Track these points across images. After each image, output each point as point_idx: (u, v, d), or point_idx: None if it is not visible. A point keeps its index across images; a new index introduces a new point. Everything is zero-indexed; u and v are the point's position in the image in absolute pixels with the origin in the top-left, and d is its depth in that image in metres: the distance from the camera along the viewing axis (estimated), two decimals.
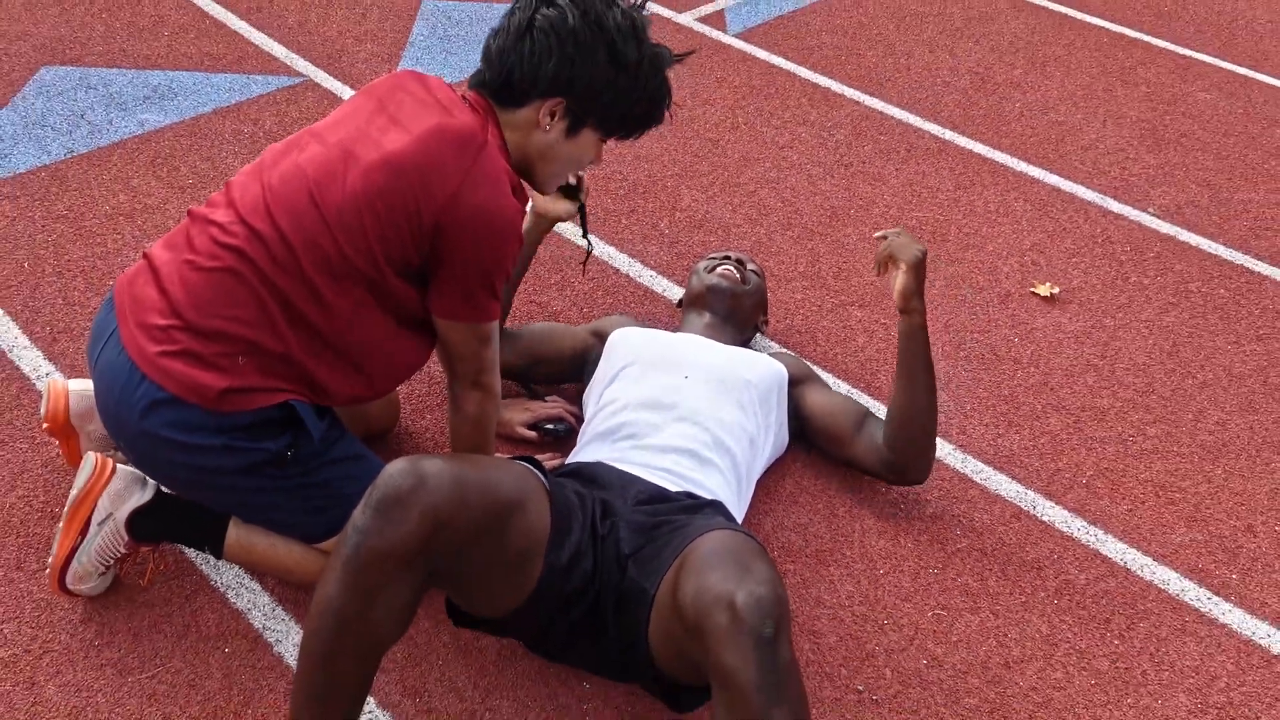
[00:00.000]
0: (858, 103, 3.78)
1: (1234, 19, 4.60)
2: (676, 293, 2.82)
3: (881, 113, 3.73)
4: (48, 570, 1.91)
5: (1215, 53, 4.29)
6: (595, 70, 1.83)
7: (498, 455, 2.11)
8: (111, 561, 1.91)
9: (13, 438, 2.26)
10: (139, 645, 1.91)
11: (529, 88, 1.84)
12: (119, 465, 1.92)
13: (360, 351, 1.84)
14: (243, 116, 3.38)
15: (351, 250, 1.75)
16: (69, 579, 1.89)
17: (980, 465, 2.42)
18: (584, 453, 2.09)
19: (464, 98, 1.88)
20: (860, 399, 2.54)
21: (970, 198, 3.33)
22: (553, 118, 1.87)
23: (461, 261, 1.79)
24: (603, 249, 2.96)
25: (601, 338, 2.37)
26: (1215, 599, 2.17)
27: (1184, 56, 4.25)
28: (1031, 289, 2.95)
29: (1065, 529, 2.29)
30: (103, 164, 3.12)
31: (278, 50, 3.76)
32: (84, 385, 2.07)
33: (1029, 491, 2.37)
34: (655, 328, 2.38)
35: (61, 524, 1.87)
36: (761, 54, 4.03)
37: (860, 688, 1.95)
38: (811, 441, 2.35)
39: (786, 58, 4.02)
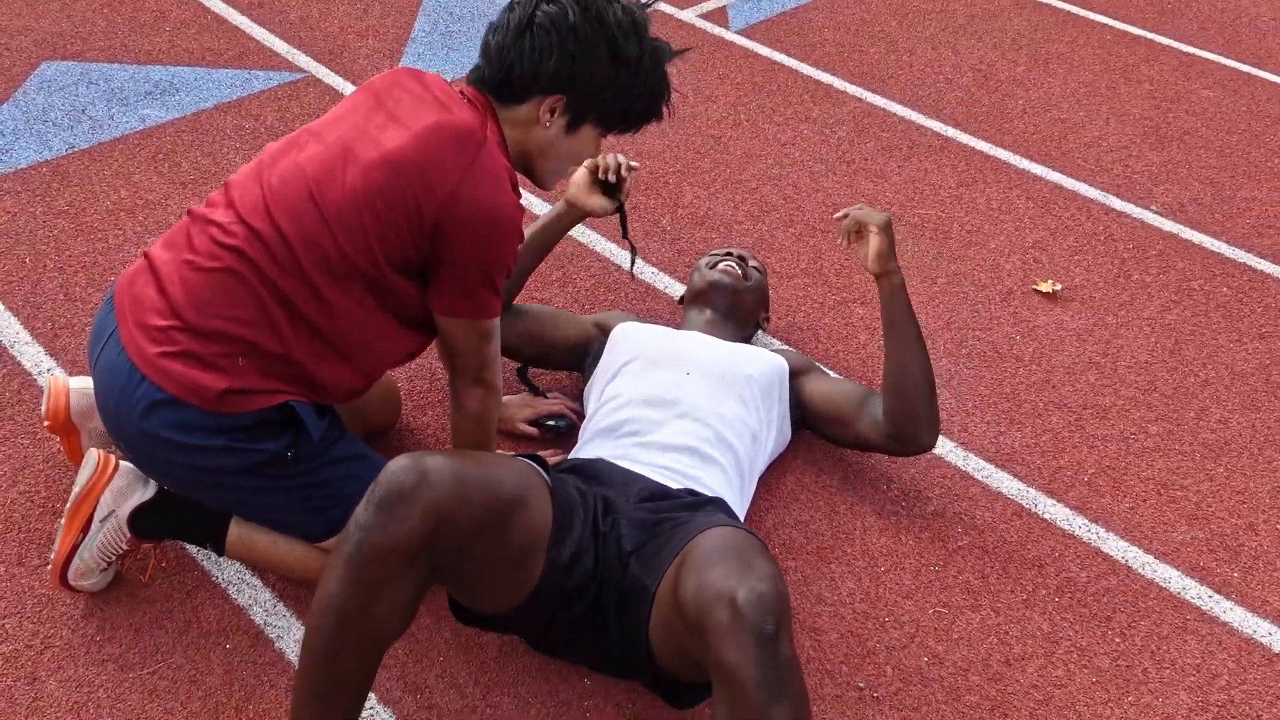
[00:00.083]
0: (860, 100, 3.77)
1: (1237, 16, 4.59)
2: (678, 289, 2.82)
3: (884, 110, 3.72)
4: (49, 566, 1.92)
5: (1218, 50, 4.28)
6: (596, 67, 1.82)
7: (499, 451, 2.11)
8: (113, 558, 1.91)
9: (14, 433, 2.26)
10: (140, 641, 1.91)
11: (529, 84, 1.83)
12: (121, 462, 1.92)
13: (361, 350, 1.84)
14: (244, 112, 3.38)
15: (351, 249, 1.75)
16: (71, 575, 1.89)
17: (982, 463, 2.41)
18: (585, 449, 2.09)
19: (462, 94, 1.87)
20: None
21: (972, 195, 3.33)
22: (553, 114, 1.86)
23: (462, 259, 1.79)
24: (605, 246, 2.96)
25: (604, 331, 2.36)
26: (1216, 597, 2.17)
27: (1187, 54, 4.24)
28: (1034, 286, 2.95)
29: (1067, 527, 2.29)
30: (104, 159, 3.12)
31: (279, 46, 3.76)
32: (84, 383, 2.07)
33: (1030, 489, 2.36)
34: (657, 324, 2.38)
35: (64, 520, 1.87)
36: (764, 50, 4.02)
37: (861, 685, 1.95)
38: (817, 430, 2.33)
39: (789, 54, 4.01)
